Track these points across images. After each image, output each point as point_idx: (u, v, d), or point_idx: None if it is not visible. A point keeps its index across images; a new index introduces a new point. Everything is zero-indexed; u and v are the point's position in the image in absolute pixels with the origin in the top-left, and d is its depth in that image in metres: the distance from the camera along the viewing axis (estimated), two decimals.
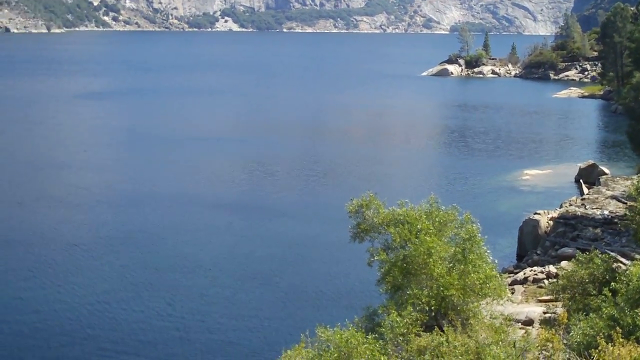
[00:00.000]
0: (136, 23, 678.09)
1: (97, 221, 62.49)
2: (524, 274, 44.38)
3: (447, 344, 22.08)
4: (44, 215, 64.22)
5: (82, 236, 57.97)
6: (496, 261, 29.23)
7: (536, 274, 43.48)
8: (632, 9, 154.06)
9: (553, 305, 35.64)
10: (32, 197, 70.11)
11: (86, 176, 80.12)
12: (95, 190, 73.88)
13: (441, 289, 26.33)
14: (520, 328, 33.32)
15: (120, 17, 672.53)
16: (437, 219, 28.45)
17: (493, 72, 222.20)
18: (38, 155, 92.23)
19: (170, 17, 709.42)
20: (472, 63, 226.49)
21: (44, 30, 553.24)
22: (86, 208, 66.97)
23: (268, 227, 61.20)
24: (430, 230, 27.63)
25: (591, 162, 78.32)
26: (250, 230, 60.31)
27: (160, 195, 71.36)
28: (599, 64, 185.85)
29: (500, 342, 23.49)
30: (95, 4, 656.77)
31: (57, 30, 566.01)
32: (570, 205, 58.53)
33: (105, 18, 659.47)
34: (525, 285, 42.26)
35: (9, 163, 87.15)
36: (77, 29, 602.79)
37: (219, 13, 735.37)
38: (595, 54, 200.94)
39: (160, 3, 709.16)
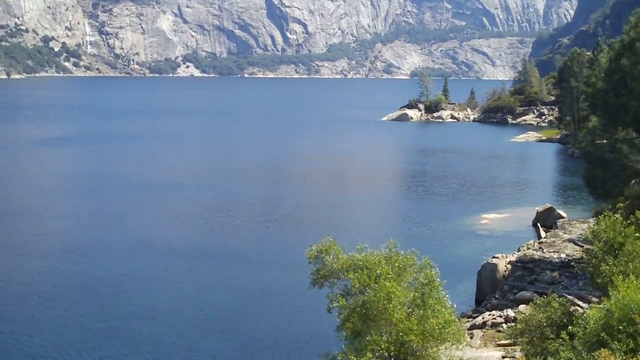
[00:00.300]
0: (97, 69, 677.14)
1: (55, 269, 61.68)
2: (483, 318, 44.57)
3: None
4: (0, 263, 63.29)
5: (39, 285, 57.12)
6: (455, 306, 29.37)
7: (495, 318, 43.68)
8: (588, 54, 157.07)
9: (512, 349, 35.81)
10: None
11: (45, 223, 79.15)
12: (54, 238, 73.03)
13: (400, 334, 26.37)
14: None
15: (81, 63, 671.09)
16: (396, 264, 28.55)
17: (452, 117, 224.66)
18: None
19: (131, 62, 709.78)
20: (432, 108, 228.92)
21: (4, 76, 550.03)
22: (44, 256, 66.07)
23: (227, 273, 60.87)
24: (390, 275, 27.71)
25: (548, 205, 79.20)
26: (209, 277, 59.93)
27: (119, 243, 70.69)
28: (556, 109, 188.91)
29: None
30: (56, 49, 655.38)
31: (17, 76, 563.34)
32: (528, 248, 59.04)
33: (66, 64, 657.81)
34: (484, 330, 42.41)
35: None
36: (37, 74, 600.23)
37: (180, 58, 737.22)
38: (553, 98, 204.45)
39: (122, 49, 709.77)
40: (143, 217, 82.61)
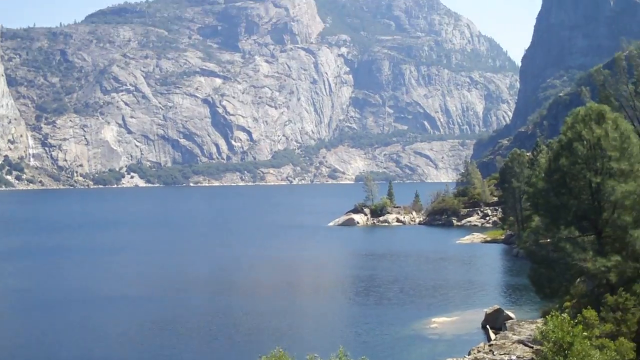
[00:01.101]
0: (40, 181, 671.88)
1: None
2: None
3: None
4: None
5: None
6: None
7: None
8: (528, 154, 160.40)
9: None
10: None
11: None
12: None
13: None
14: None
15: (24, 176, 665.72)
16: None
17: (398, 220, 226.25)
18: None
19: (75, 174, 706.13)
20: (378, 212, 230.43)
21: None
22: None
23: None
24: None
25: (497, 307, 79.20)
26: None
27: None
28: (499, 209, 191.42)
29: None
30: None
31: None
32: (479, 352, 58.67)
33: (9, 177, 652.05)
34: None
35: None
36: None
37: (124, 169, 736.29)
38: (496, 199, 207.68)
39: (66, 160, 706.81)
40: (87, 333, 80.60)
